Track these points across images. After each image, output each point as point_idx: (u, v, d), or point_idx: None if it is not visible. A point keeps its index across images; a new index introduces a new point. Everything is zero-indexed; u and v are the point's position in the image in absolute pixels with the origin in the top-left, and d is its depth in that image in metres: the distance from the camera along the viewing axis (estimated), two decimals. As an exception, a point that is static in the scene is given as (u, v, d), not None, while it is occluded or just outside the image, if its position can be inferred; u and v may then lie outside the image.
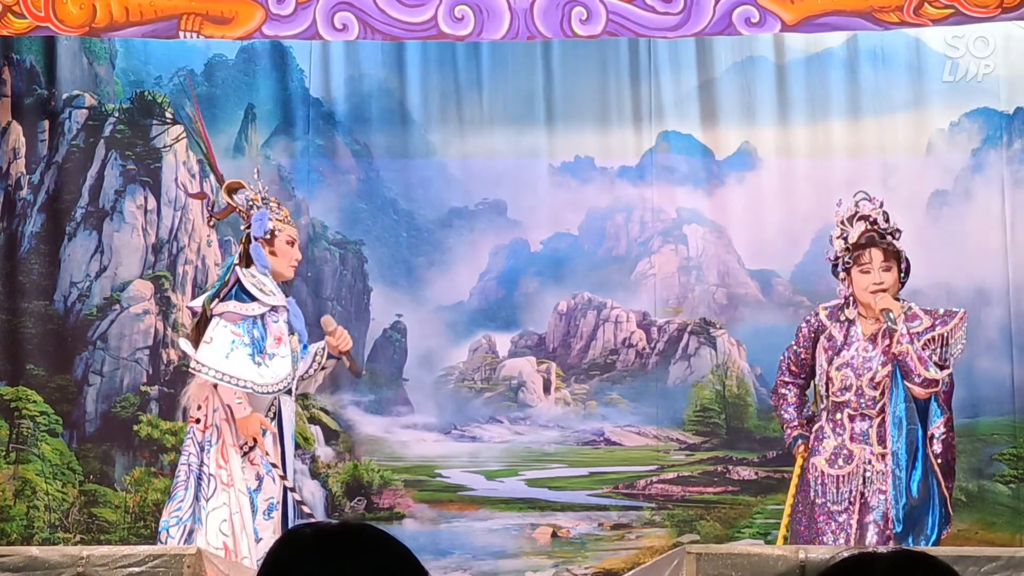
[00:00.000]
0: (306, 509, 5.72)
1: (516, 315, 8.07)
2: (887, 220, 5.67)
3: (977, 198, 7.77)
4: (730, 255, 7.96)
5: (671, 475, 7.83)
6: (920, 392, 5.48)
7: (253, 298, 5.77)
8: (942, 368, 5.51)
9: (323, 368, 6.15)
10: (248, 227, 5.93)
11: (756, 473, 7.79)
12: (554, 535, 7.77)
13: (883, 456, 5.52)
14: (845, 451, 5.59)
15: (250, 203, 5.94)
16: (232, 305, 5.74)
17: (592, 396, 7.98)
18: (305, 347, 6.05)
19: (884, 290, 5.56)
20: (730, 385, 7.89)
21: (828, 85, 7.90)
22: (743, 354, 7.90)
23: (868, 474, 5.54)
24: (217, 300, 5.79)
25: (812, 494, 5.62)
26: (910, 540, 5.42)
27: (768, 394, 7.64)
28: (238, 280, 5.78)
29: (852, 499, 5.54)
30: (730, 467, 7.82)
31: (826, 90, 7.90)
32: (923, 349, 5.49)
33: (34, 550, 4.81)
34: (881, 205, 5.69)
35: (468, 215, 8.04)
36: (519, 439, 7.95)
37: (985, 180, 7.77)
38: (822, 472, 5.61)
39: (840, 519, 5.56)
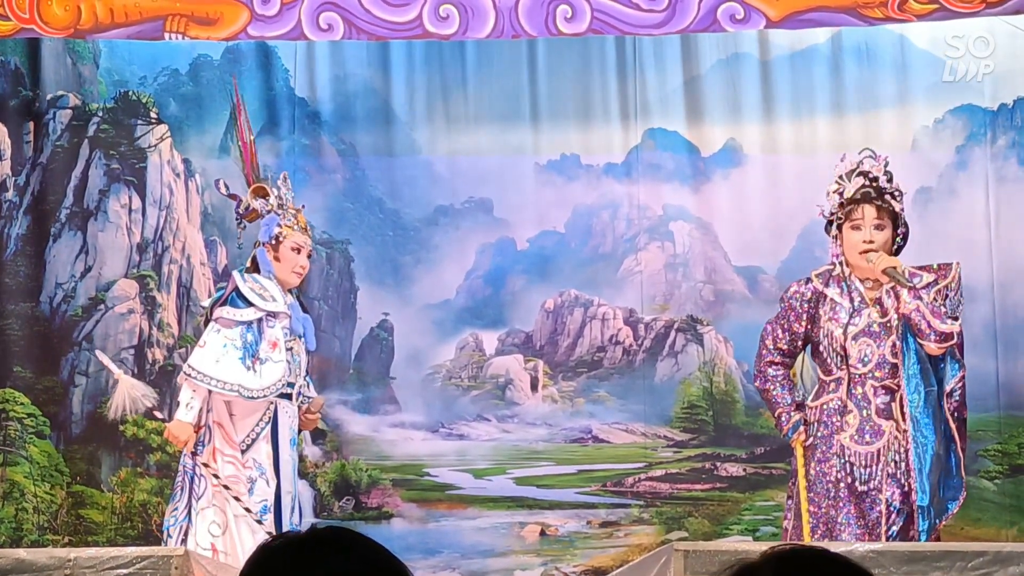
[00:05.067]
0: (254, 517, 5.70)
1: (503, 313, 8.08)
2: (890, 180, 5.49)
3: (962, 195, 7.79)
4: (716, 252, 7.97)
5: (659, 472, 7.84)
6: (935, 349, 5.27)
7: (249, 303, 5.78)
8: (954, 320, 5.30)
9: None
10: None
11: (744, 470, 7.80)
12: (542, 533, 7.78)
13: (907, 432, 5.31)
14: (872, 425, 5.38)
15: (267, 208, 5.97)
16: (226, 311, 5.78)
17: (579, 394, 7.99)
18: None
19: (873, 250, 5.36)
20: (717, 382, 7.90)
21: (813, 82, 7.92)
22: (730, 351, 7.91)
23: (896, 451, 5.33)
24: (217, 304, 5.85)
25: (834, 475, 5.38)
26: (931, 511, 5.23)
27: (755, 391, 7.67)
28: (236, 286, 5.81)
29: (884, 477, 5.31)
30: (718, 464, 7.83)
31: (811, 87, 7.91)
32: (931, 303, 5.29)
33: (21, 552, 4.80)
34: (886, 164, 5.53)
35: (454, 213, 8.04)
36: (507, 437, 7.95)
37: (969, 177, 7.78)
38: (845, 448, 5.37)
39: (871, 497, 5.34)
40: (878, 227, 5.43)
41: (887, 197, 5.47)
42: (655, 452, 7.87)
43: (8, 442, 7.74)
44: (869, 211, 5.43)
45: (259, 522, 5.66)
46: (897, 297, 5.36)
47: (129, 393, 6.00)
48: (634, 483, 7.85)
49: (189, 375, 5.75)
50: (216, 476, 5.71)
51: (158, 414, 6.11)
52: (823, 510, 5.44)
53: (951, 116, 7.80)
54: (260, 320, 5.81)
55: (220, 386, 5.69)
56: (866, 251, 5.41)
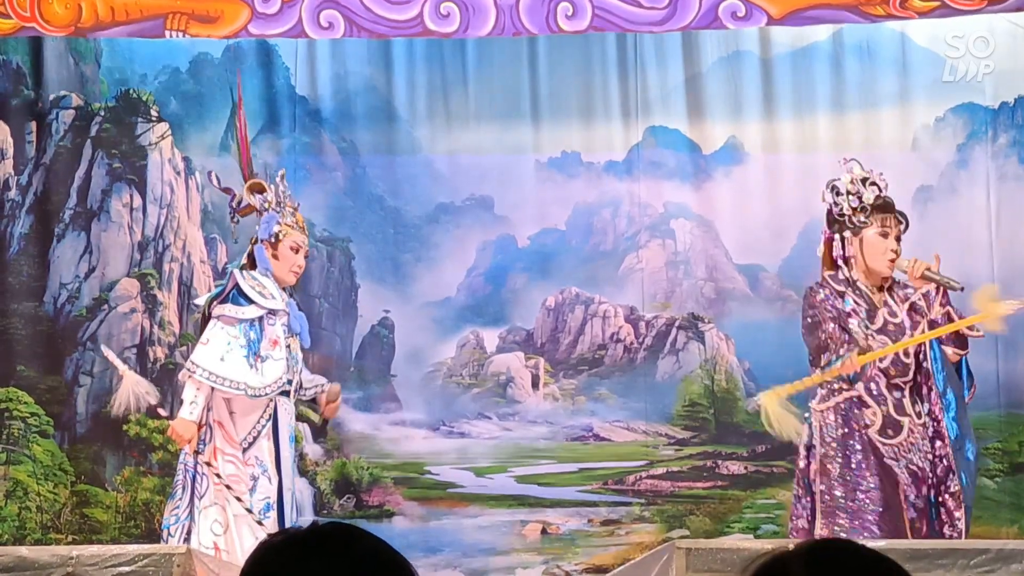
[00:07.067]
0: (254, 518, 5.70)
1: (504, 310, 8.08)
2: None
3: (962, 193, 7.79)
4: (717, 249, 7.97)
5: (660, 470, 7.84)
6: (951, 355, 5.43)
7: (250, 301, 5.78)
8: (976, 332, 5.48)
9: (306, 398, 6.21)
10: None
11: (745, 468, 7.80)
12: (544, 531, 7.78)
13: (921, 427, 5.43)
14: (892, 421, 5.44)
15: (265, 205, 5.97)
16: (228, 308, 5.77)
17: (580, 391, 7.98)
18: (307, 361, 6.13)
19: (898, 258, 5.50)
20: (719, 380, 7.90)
21: (814, 79, 7.92)
22: (731, 348, 7.91)
23: (913, 447, 5.41)
24: (217, 301, 5.84)
25: (852, 464, 5.45)
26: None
27: (756, 389, 7.69)
28: (236, 283, 5.81)
29: (904, 470, 5.40)
30: (719, 462, 7.83)
31: (812, 84, 7.92)
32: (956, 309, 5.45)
33: (23, 550, 4.81)
34: (883, 180, 5.65)
35: (455, 211, 8.04)
36: (508, 435, 7.95)
37: (970, 175, 7.79)
38: (872, 441, 5.42)
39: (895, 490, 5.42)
40: (898, 238, 5.55)
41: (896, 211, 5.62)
42: (656, 450, 7.87)
43: (11, 441, 7.74)
44: (894, 222, 5.55)
45: (259, 523, 5.65)
46: (927, 302, 5.48)
47: (134, 390, 6.00)
48: (635, 481, 7.85)
49: (193, 372, 5.74)
50: (218, 475, 5.71)
51: (162, 411, 6.11)
52: (832, 500, 5.48)
53: (952, 114, 7.80)
54: (261, 318, 5.81)
55: (225, 384, 5.69)
56: (894, 259, 5.51)
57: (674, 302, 7.97)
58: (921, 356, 5.50)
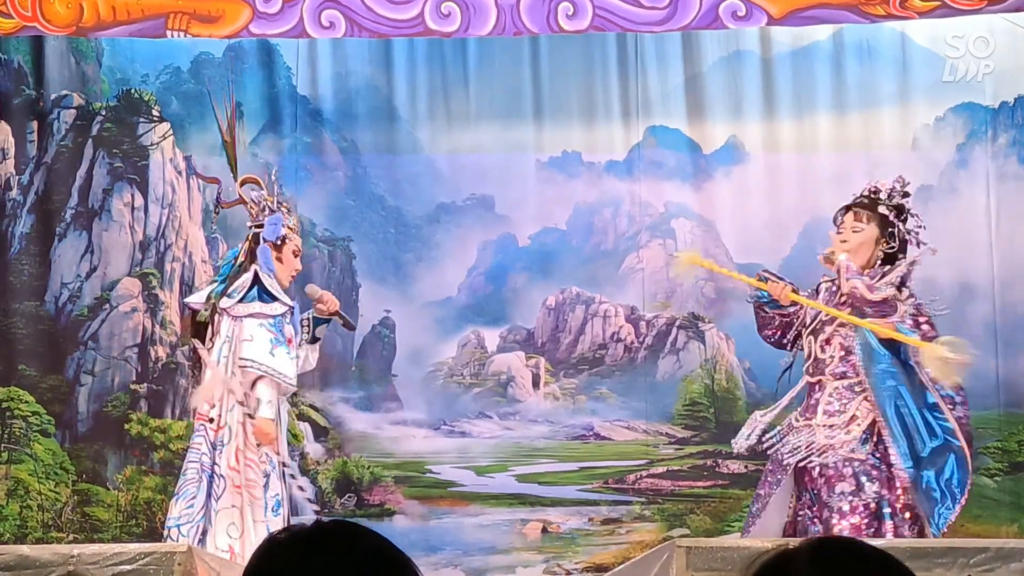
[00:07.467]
0: (305, 494, 5.71)
1: (504, 310, 8.08)
2: (891, 197, 5.63)
3: (962, 193, 7.80)
4: (718, 249, 7.97)
5: (661, 469, 7.85)
6: (880, 322, 5.40)
7: (274, 298, 5.78)
8: (893, 287, 5.43)
9: (316, 339, 6.15)
10: (259, 226, 5.93)
11: (746, 467, 7.80)
12: (544, 530, 7.78)
13: (824, 427, 5.48)
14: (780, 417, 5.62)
15: (263, 203, 5.95)
16: (258, 306, 5.75)
17: (581, 391, 7.99)
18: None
19: (845, 250, 5.55)
20: (719, 379, 7.91)
21: (814, 79, 7.93)
22: (732, 348, 7.91)
23: (800, 440, 5.51)
24: (227, 297, 5.79)
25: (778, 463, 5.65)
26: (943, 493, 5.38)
27: (756, 388, 7.72)
28: (258, 280, 5.78)
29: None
30: (719, 461, 7.83)
31: (812, 84, 7.93)
32: (870, 278, 5.45)
33: (25, 548, 4.81)
34: (903, 186, 5.68)
35: (456, 211, 8.05)
36: (508, 434, 7.96)
37: (970, 175, 7.80)
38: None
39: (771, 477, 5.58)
40: (856, 229, 5.59)
41: (880, 207, 5.60)
42: (656, 449, 7.88)
43: (13, 440, 7.75)
44: (848, 216, 5.60)
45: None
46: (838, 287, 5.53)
47: (226, 384, 5.89)
48: (636, 480, 7.86)
49: (255, 369, 5.66)
50: (293, 476, 5.71)
51: (244, 408, 6.00)
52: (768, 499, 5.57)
53: (952, 114, 7.81)
54: (283, 315, 5.82)
55: (281, 378, 5.68)
56: (842, 250, 5.58)
57: (674, 302, 7.98)
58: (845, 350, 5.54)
